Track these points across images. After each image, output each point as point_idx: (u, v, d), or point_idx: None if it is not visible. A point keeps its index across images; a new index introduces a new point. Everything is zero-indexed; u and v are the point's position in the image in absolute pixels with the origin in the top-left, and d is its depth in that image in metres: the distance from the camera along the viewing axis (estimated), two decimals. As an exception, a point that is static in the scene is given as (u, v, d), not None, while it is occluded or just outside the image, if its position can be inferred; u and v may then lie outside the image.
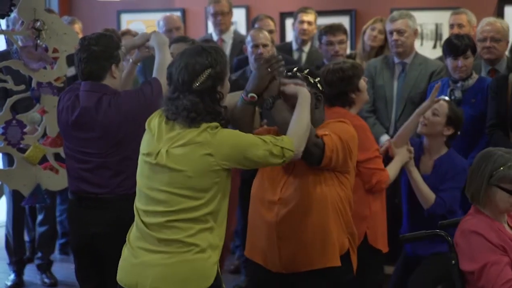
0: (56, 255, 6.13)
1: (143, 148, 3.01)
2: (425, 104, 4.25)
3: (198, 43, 4.42)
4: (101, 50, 3.56)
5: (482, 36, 5.08)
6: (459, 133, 4.29)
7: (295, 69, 3.35)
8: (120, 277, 3.02)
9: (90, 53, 3.55)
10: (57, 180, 4.71)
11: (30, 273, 5.82)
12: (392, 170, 4.08)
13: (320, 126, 3.29)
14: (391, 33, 5.29)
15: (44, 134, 4.77)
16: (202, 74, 2.88)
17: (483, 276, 3.06)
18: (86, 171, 3.61)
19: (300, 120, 3.04)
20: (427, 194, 4.15)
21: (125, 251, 3.05)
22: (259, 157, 2.90)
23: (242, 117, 3.18)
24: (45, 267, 5.72)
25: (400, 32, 5.24)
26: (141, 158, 3.02)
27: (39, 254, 5.75)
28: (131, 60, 4.05)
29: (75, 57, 3.63)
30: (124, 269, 3.01)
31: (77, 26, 6.63)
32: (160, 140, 2.93)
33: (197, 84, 2.88)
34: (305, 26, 6.28)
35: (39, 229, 5.77)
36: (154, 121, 3.00)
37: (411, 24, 5.29)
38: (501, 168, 3.17)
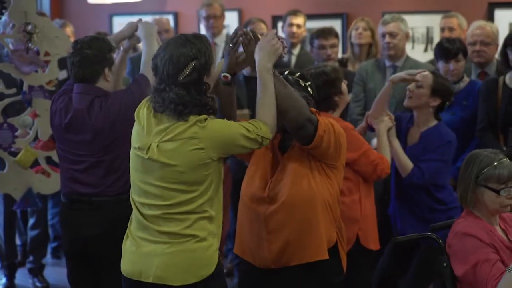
0: (48, 259, 6.11)
1: (134, 141, 3.00)
2: (399, 74, 4.29)
3: None
4: (93, 53, 3.56)
5: (472, 39, 5.11)
6: (447, 103, 4.31)
7: (286, 72, 3.37)
8: (124, 267, 3.03)
9: (83, 57, 3.55)
10: (48, 184, 4.71)
11: (22, 277, 5.80)
12: (382, 145, 4.13)
13: None
14: (384, 35, 5.31)
15: (36, 138, 4.77)
16: (187, 66, 2.86)
17: (476, 273, 3.07)
18: (79, 171, 3.62)
19: (267, 101, 3.01)
20: (405, 163, 4.15)
21: (127, 242, 3.05)
22: (245, 147, 2.94)
23: (222, 98, 3.16)
24: (36, 271, 5.70)
25: (392, 35, 5.26)
26: (132, 151, 3.01)
27: (31, 258, 5.73)
28: (121, 48, 4.05)
29: (68, 60, 3.63)
30: (127, 259, 3.02)
31: (69, 29, 6.63)
32: (150, 134, 2.92)
33: (183, 77, 2.86)
34: (294, 29, 6.29)
35: (31, 233, 5.75)
36: (143, 112, 2.98)
37: (403, 27, 5.32)
38: (487, 168, 3.20)
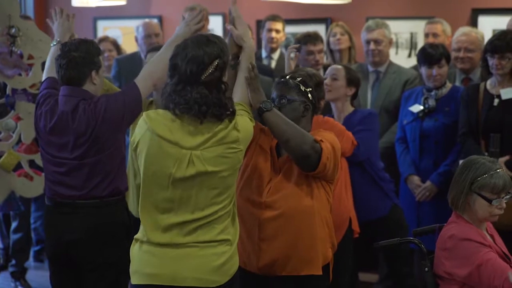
0: (30, 262, 6.10)
1: (167, 167, 2.87)
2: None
3: None
4: (81, 56, 3.55)
5: (457, 46, 5.15)
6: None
7: (288, 76, 3.38)
8: (147, 272, 2.91)
9: (70, 59, 3.54)
10: (31, 187, 4.69)
11: (4, 280, 5.79)
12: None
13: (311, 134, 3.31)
14: (368, 42, 5.33)
15: (19, 141, 4.75)
16: (211, 65, 2.87)
17: (481, 273, 3.09)
18: (62, 174, 3.59)
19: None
20: None
21: (143, 247, 2.94)
22: None
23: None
24: (19, 275, 5.68)
25: (377, 42, 5.29)
26: (163, 177, 2.88)
27: (13, 262, 5.71)
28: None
29: (55, 63, 3.61)
30: (149, 264, 2.91)
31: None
32: (185, 144, 2.86)
33: (206, 75, 2.86)
34: (273, 34, 6.32)
35: (13, 236, 5.73)
36: (159, 128, 2.87)
37: (387, 33, 5.35)
38: (483, 176, 3.22)
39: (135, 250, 2.99)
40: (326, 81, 4.29)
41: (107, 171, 3.52)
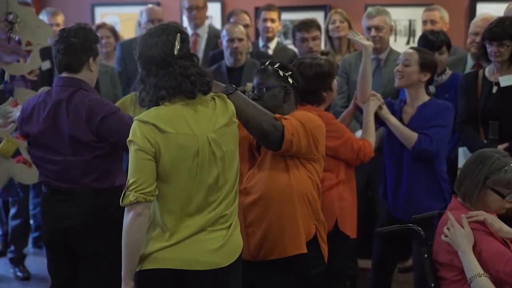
0: (29, 248, 6.11)
1: (180, 156, 2.84)
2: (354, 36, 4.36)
3: None
4: (79, 42, 3.55)
5: (474, 30, 5.13)
6: (436, 76, 4.34)
7: (267, 62, 3.41)
8: (160, 258, 2.89)
9: (68, 45, 3.54)
10: (30, 174, 4.68)
11: (3, 266, 5.80)
12: (367, 126, 4.13)
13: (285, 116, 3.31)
14: (369, 29, 5.31)
15: (17, 128, 4.74)
16: (175, 39, 2.90)
17: (482, 259, 3.07)
18: (57, 172, 3.59)
19: None
20: (408, 134, 4.14)
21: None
22: None
23: None
24: (18, 261, 5.69)
25: (378, 28, 5.26)
26: (182, 163, 2.86)
27: (12, 248, 5.72)
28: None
29: (53, 48, 3.60)
30: (162, 250, 2.89)
31: (59, 18, 6.59)
32: (198, 127, 2.87)
33: (177, 50, 2.89)
34: (269, 23, 6.30)
35: (12, 223, 5.73)
36: (164, 119, 2.84)
37: (388, 20, 5.32)
38: (498, 171, 3.21)
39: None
40: (397, 68, 4.23)
41: (104, 166, 3.53)
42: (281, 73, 3.36)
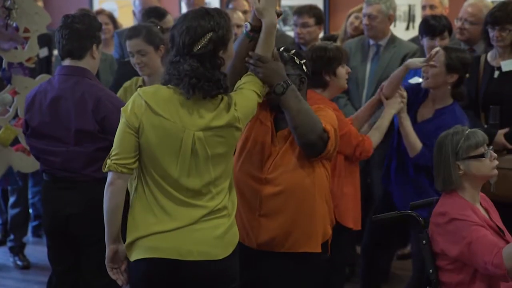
0: (28, 237, 6.10)
1: (167, 143, 2.84)
2: (414, 62, 4.17)
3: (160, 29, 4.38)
4: (84, 28, 3.54)
5: (460, 16, 5.08)
6: (467, 75, 4.19)
7: (282, 48, 3.30)
8: (153, 247, 2.87)
9: (73, 30, 3.52)
10: (29, 162, 4.67)
11: (3, 255, 5.80)
12: (381, 127, 4.07)
13: None
14: (364, 16, 5.28)
15: (16, 116, 4.73)
16: (203, 37, 2.82)
17: (471, 251, 3.07)
18: (58, 163, 3.59)
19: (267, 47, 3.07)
20: (414, 143, 4.08)
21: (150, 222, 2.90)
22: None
23: (238, 51, 3.10)
24: (17, 250, 5.69)
25: (370, 17, 5.23)
26: (166, 148, 2.85)
27: (12, 237, 5.71)
28: None
29: (57, 33, 3.58)
30: (155, 240, 2.86)
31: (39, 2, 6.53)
32: (184, 121, 2.83)
33: (198, 48, 2.81)
34: None
35: (11, 212, 5.73)
36: (156, 101, 2.83)
37: (385, 9, 5.25)
38: (461, 140, 3.23)
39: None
40: (423, 68, 4.11)
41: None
42: (297, 60, 3.28)
